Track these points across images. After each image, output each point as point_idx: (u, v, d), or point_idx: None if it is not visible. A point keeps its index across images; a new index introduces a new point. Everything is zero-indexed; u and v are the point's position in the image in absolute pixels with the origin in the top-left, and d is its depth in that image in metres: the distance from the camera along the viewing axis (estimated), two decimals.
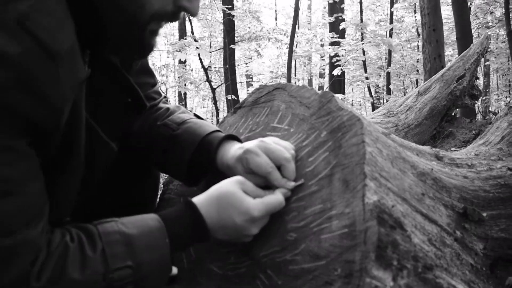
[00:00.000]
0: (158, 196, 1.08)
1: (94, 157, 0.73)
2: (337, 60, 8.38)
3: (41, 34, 0.53)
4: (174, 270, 0.69)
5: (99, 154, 0.76)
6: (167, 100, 1.07)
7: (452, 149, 2.37)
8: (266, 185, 0.76)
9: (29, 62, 0.52)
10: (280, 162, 0.74)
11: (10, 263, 0.55)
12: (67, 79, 0.57)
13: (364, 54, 8.86)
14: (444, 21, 6.52)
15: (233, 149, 0.81)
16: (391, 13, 10.94)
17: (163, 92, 1.12)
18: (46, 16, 0.54)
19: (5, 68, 0.50)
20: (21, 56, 0.51)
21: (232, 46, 8.13)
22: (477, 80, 3.10)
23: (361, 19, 10.07)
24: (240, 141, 0.85)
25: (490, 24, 10.60)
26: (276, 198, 0.72)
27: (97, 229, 0.63)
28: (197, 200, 0.71)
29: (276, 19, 19.77)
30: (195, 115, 0.98)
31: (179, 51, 5.87)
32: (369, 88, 10.72)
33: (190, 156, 0.86)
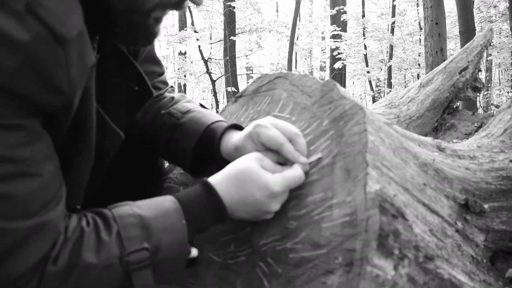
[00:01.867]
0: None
1: (103, 145, 0.73)
2: (338, 54, 8.34)
3: (50, 19, 0.53)
4: (194, 252, 0.68)
5: (108, 142, 0.75)
6: (173, 90, 1.06)
7: (454, 141, 2.36)
8: (281, 164, 0.75)
9: (38, 48, 0.52)
10: (291, 137, 0.73)
11: (30, 247, 0.55)
12: (75, 64, 0.57)
13: (365, 48, 8.83)
14: (446, 14, 6.48)
15: (238, 134, 0.80)
16: (393, 6, 10.86)
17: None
18: (55, 1, 0.54)
19: (14, 53, 0.50)
20: (30, 42, 0.51)
21: (232, 37, 8.09)
22: (480, 72, 3.08)
23: (363, 12, 10.00)
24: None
25: (493, 18, 10.53)
26: (295, 171, 0.70)
27: (112, 213, 0.63)
28: (214, 179, 0.70)
29: (277, 11, 19.67)
30: (200, 104, 0.97)
31: (179, 42, 5.84)
32: (370, 81, 10.69)
33: (194, 145, 0.85)
